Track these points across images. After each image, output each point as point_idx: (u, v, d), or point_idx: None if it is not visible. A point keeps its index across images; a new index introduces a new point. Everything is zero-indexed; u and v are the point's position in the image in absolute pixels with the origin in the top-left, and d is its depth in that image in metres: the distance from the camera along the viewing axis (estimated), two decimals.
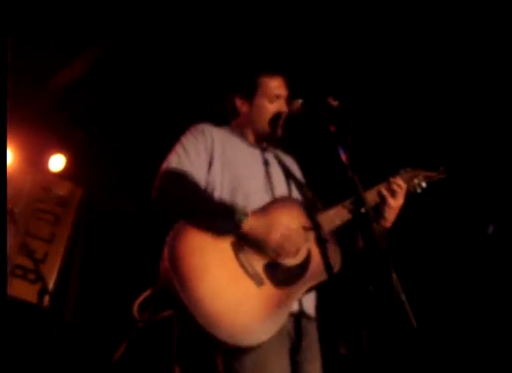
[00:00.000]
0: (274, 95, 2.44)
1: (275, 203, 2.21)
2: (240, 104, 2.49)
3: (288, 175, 2.46)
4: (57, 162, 5.67)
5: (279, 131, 2.45)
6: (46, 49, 4.60)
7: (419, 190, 2.44)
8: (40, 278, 5.17)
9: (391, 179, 2.29)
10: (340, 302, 5.60)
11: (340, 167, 2.08)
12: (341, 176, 2.07)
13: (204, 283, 1.89)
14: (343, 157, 2.10)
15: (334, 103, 2.18)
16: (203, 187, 2.20)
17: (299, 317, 2.14)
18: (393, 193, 2.26)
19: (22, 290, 5.10)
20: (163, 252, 1.94)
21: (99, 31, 4.52)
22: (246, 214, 2.02)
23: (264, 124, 2.44)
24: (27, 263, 5.32)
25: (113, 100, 5.19)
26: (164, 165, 2.21)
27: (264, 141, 2.51)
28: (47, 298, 4.36)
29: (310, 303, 2.23)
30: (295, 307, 2.11)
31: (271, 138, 2.49)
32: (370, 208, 2.12)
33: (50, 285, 5.53)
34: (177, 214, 2.04)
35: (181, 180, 2.15)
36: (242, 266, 1.99)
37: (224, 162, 2.29)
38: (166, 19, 4.45)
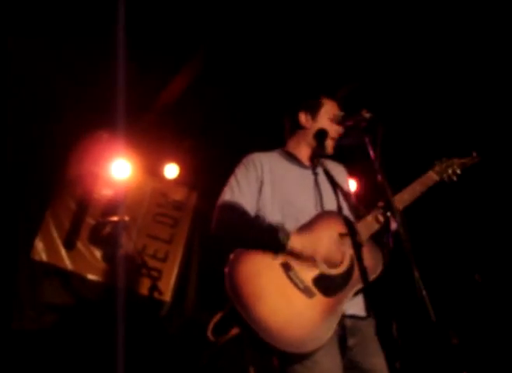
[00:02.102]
0: (333, 115, 2.70)
1: (318, 218, 2.46)
2: (305, 120, 2.75)
3: (335, 187, 2.68)
4: (171, 170, 6.15)
5: (331, 150, 2.73)
6: (150, 71, 5.10)
7: (454, 178, 2.62)
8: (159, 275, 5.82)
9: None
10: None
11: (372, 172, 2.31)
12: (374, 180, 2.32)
13: (261, 304, 2.19)
14: (375, 163, 2.32)
15: (367, 115, 2.40)
16: (253, 213, 2.52)
17: (352, 318, 2.38)
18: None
19: (143, 285, 5.68)
20: (225, 282, 2.26)
21: (194, 49, 4.96)
22: (288, 234, 2.31)
23: (325, 144, 2.71)
24: (151, 262, 5.98)
25: (215, 109, 5.60)
26: (220, 199, 2.57)
27: (316, 156, 2.75)
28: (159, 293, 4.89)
29: (359, 305, 2.44)
30: (350, 310, 2.35)
31: (324, 154, 2.75)
32: (397, 212, 2.26)
33: (172, 282, 6.12)
34: (232, 243, 2.38)
35: (233, 213, 2.48)
36: (293, 283, 2.27)
37: (274, 186, 2.59)
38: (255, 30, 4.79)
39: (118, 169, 5.73)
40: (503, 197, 5.55)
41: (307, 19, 4.57)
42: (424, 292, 1.92)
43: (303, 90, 2.99)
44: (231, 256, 2.33)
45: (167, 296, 5.99)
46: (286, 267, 2.29)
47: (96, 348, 5.03)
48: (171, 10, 4.55)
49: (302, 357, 2.17)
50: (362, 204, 2.73)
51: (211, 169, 6.19)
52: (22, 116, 5.31)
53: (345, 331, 2.35)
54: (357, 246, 2.39)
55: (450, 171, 2.64)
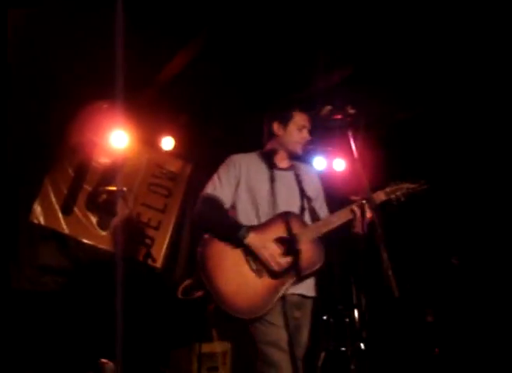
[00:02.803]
0: (301, 126, 3.18)
1: (276, 218, 2.95)
2: (277, 129, 3.21)
3: (302, 189, 3.11)
4: (168, 143, 6.36)
5: (300, 151, 3.20)
6: (152, 46, 5.26)
7: (402, 199, 3.04)
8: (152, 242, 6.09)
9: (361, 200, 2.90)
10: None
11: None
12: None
13: (221, 277, 2.79)
14: (355, 154, 2.72)
15: (352, 111, 2.78)
16: (228, 207, 3.05)
17: (300, 297, 2.95)
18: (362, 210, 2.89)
19: (137, 251, 5.99)
20: (196, 256, 2.85)
21: (197, 28, 5.11)
22: (246, 233, 2.84)
23: (293, 145, 3.18)
24: (144, 229, 6.26)
25: (212, 87, 5.80)
26: (204, 191, 3.08)
27: (291, 157, 3.23)
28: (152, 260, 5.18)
29: (307, 286, 2.98)
30: (292, 290, 2.88)
31: (296, 155, 3.22)
32: (374, 202, 2.77)
33: (163, 250, 6.42)
34: (207, 229, 2.96)
35: (213, 206, 3.01)
36: (248, 263, 2.84)
37: (248, 185, 3.09)
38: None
39: (116, 139, 5.91)
40: (482, 181, 5.85)
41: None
42: (390, 272, 2.21)
43: (278, 103, 3.38)
44: (205, 237, 2.92)
45: (158, 263, 6.31)
46: (247, 252, 2.86)
47: (90, 309, 5.34)
48: None
49: (261, 318, 2.75)
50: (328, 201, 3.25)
51: (205, 144, 6.45)
52: (25, 86, 5.47)
53: (297, 305, 2.93)
54: (308, 243, 2.91)
55: (398, 193, 3.07)
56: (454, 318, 5.86)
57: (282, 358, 2.69)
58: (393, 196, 3.06)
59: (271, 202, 3.02)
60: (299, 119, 3.20)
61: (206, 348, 5.15)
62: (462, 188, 6.02)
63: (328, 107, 2.92)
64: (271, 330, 2.75)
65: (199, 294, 3.10)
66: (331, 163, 6.73)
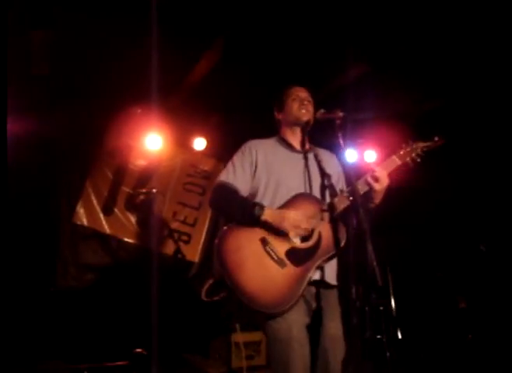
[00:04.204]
0: (295, 96, 3.20)
1: (294, 198, 2.89)
2: (277, 114, 3.28)
3: (322, 171, 3.07)
4: (200, 143, 6.64)
5: (305, 116, 3.13)
6: (179, 50, 5.48)
7: (418, 160, 2.93)
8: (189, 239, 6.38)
9: (375, 168, 2.86)
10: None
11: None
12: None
13: (241, 272, 2.65)
14: (343, 152, 2.85)
15: (341, 114, 2.86)
16: (246, 194, 2.98)
17: (319, 285, 2.84)
18: (376, 180, 2.84)
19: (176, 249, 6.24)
20: (214, 253, 2.76)
21: (220, 30, 5.33)
22: (262, 209, 2.77)
23: (294, 116, 3.16)
24: (181, 227, 6.56)
25: (241, 85, 6.02)
26: (217, 179, 3.05)
27: (296, 126, 3.18)
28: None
29: (330, 273, 2.89)
30: (316, 276, 2.81)
31: (301, 122, 3.15)
32: (358, 196, 2.72)
33: (200, 245, 6.70)
34: (223, 214, 3.05)
35: (225, 192, 2.95)
36: (269, 255, 2.73)
37: (268, 168, 3.03)
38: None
39: (151, 142, 6.24)
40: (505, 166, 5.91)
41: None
42: (374, 263, 2.35)
43: (272, 94, 3.42)
44: (222, 229, 2.84)
45: (196, 257, 6.60)
46: (264, 242, 2.75)
47: (132, 304, 5.65)
48: None
49: (272, 315, 2.66)
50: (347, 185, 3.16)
51: (235, 142, 6.62)
52: (64, 92, 5.81)
53: (319, 296, 2.83)
54: (329, 222, 2.86)
55: (413, 154, 2.95)
56: (486, 304, 5.92)
57: (292, 357, 2.62)
58: (408, 158, 2.95)
59: (290, 183, 2.97)
60: (290, 92, 3.23)
61: (243, 337, 5.38)
62: (490, 177, 6.06)
63: (322, 110, 3.03)
64: (282, 327, 2.66)
65: (223, 294, 2.96)
66: (362, 154, 6.85)
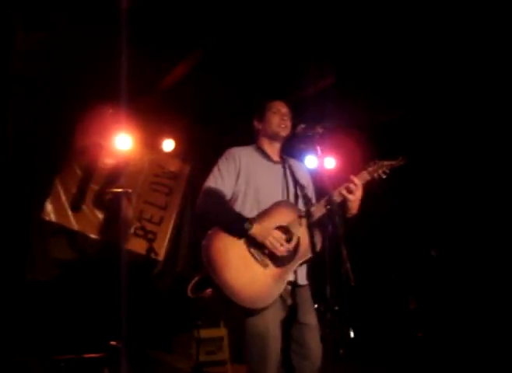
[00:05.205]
0: (276, 110, 3.37)
1: (275, 206, 3.10)
2: (257, 124, 3.44)
3: (296, 180, 3.32)
4: (168, 144, 6.83)
5: (281, 131, 3.32)
6: (154, 57, 5.68)
7: (384, 176, 3.17)
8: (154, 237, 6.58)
9: (350, 179, 3.09)
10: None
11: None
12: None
13: (227, 271, 2.83)
14: (321, 166, 3.18)
15: (320, 130, 3.09)
16: (229, 198, 3.13)
17: (293, 285, 3.08)
18: (349, 191, 3.06)
19: (141, 246, 6.49)
20: (201, 251, 2.90)
21: (195, 40, 5.54)
22: (250, 224, 2.95)
23: (273, 129, 3.34)
24: (147, 225, 6.75)
25: (211, 93, 6.25)
26: (205, 185, 3.13)
27: (274, 139, 3.37)
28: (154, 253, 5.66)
29: (302, 275, 3.14)
30: (291, 277, 3.04)
31: (279, 137, 3.35)
32: (335, 205, 2.97)
33: (165, 244, 6.90)
34: (211, 221, 3.03)
35: (214, 199, 3.09)
36: (252, 256, 2.92)
37: (248, 176, 3.19)
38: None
39: (121, 142, 6.38)
40: (459, 174, 6.33)
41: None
42: (348, 265, 2.61)
43: (253, 104, 3.57)
44: (208, 232, 2.99)
45: (161, 256, 6.79)
46: (249, 244, 2.96)
47: (98, 299, 5.81)
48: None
49: (253, 311, 2.87)
50: (317, 193, 3.40)
51: (203, 146, 6.89)
52: (35, 92, 5.89)
53: (295, 294, 3.06)
54: (306, 229, 3.06)
55: (380, 171, 3.19)
56: (435, 304, 6.33)
57: (268, 351, 2.81)
58: (376, 174, 3.15)
59: (268, 192, 3.13)
60: (272, 105, 3.37)
61: (204, 334, 5.59)
62: (440, 182, 6.47)
63: (302, 126, 3.22)
64: (260, 323, 2.84)
65: (209, 291, 3.18)
66: (322, 161, 7.13)
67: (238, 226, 2.96)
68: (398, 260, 6.66)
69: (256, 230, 2.95)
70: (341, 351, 5.72)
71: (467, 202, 6.24)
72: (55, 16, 5.16)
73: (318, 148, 3.08)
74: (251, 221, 2.98)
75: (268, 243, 2.92)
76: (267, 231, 2.96)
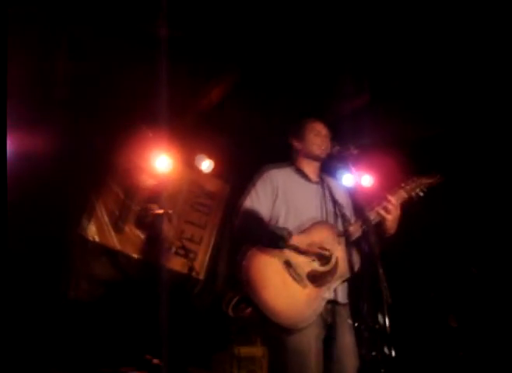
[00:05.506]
0: (317, 132, 3.46)
1: (314, 225, 3.16)
2: (297, 144, 3.52)
3: (335, 200, 3.38)
4: (207, 165, 6.95)
5: (323, 153, 3.40)
6: (195, 76, 5.79)
7: (421, 194, 3.23)
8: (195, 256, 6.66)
9: (387, 198, 3.13)
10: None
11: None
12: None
13: (266, 291, 2.90)
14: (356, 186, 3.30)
15: (355, 151, 3.16)
16: (268, 219, 3.17)
17: (333, 304, 3.10)
18: (387, 211, 3.11)
19: (182, 265, 6.56)
20: (240, 272, 2.97)
21: (231, 60, 5.64)
22: (289, 233, 3.01)
23: (314, 151, 3.42)
24: (188, 244, 6.85)
25: (250, 114, 6.38)
26: (242, 205, 3.20)
27: (314, 160, 3.45)
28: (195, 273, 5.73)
29: (342, 293, 3.16)
30: (331, 296, 3.06)
31: (320, 158, 3.44)
32: (371, 225, 3.01)
33: (205, 263, 6.99)
34: (249, 240, 3.07)
35: (252, 220, 3.14)
36: (291, 275, 2.96)
37: (286, 198, 3.26)
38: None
39: (161, 163, 6.52)
40: (498, 192, 6.24)
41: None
42: (385, 284, 2.63)
43: (290, 120, 3.69)
44: (246, 249, 3.04)
45: (201, 275, 6.89)
46: (287, 264, 3.00)
47: (140, 319, 5.90)
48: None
49: (295, 331, 2.89)
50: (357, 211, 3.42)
51: (241, 166, 6.97)
52: (79, 114, 6.09)
53: (334, 313, 3.09)
54: (345, 248, 3.11)
55: (418, 190, 3.25)
56: (476, 322, 6.22)
57: (310, 367, 2.84)
58: (413, 193, 3.20)
59: (308, 212, 3.19)
60: (313, 126, 3.46)
61: (245, 352, 5.63)
62: (481, 199, 6.39)
63: (337, 147, 3.31)
64: (303, 340, 2.87)
65: (249, 311, 3.28)
66: (358, 181, 7.16)
67: (276, 235, 2.99)
68: (438, 278, 6.57)
69: (296, 239, 3.02)
70: (383, 371, 5.72)
71: (508, 219, 6.15)
72: (98, 44, 5.39)
73: (353, 168, 3.13)
74: (290, 231, 3.03)
75: (310, 251, 3.00)
76: (307, 240, 3.03)
